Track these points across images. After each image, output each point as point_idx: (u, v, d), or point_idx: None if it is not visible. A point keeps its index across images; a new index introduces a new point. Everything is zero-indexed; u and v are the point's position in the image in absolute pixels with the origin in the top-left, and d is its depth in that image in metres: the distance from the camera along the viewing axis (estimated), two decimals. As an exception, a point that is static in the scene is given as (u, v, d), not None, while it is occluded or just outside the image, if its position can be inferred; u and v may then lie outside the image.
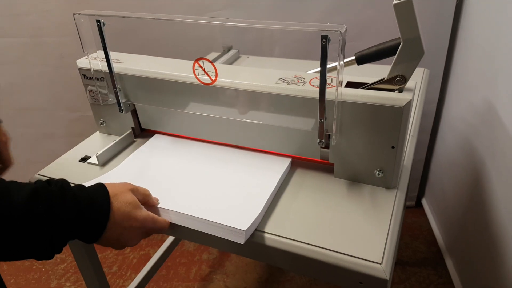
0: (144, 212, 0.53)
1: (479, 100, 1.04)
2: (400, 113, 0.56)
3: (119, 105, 0.74)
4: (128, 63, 0.73)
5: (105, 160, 0.73)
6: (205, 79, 0.64)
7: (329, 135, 0.61)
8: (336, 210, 0.59)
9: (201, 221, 0.54)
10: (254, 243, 0.56)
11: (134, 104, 0.77)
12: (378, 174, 0.62)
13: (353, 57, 0.65)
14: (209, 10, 1.21)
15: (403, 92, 0.58)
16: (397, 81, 0.58)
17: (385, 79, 0.58)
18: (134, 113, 0.79)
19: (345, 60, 0.64)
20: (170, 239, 1.26)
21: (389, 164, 0.60)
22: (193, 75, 0.64)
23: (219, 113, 0.69)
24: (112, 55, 0.70)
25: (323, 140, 0.60)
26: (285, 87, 0.62)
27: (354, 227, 0.56)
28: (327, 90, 0.56)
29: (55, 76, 1.33)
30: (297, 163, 0.70)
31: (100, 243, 0.50)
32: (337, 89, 0.55)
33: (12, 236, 0.41)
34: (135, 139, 0.80)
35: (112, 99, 0.75)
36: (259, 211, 0.56)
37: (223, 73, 0.64)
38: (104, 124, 0.81)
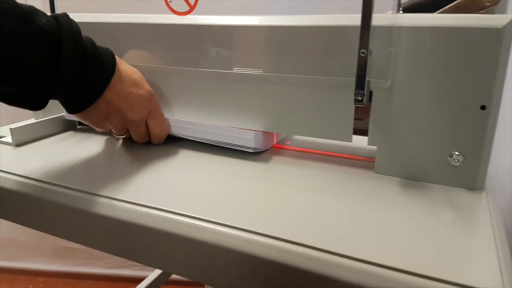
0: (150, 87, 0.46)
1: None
2: (498, 40, 0.33)
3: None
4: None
5: (23, 140, 0.48)
6: (179, 7, 0.43)
7: (371, 91, 0.38)
8: (400, 226, 0.33)
9: (211, 129, 0.47)
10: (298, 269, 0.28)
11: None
12: (456, 161, 0.36)
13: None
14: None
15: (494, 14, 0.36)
16: None
17: None
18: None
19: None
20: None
21: (475, 141, 0.35)
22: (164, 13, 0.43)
23: (200, 65, 0.45)
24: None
25: (362, 92, 0.36)
26: (303, 18, 0.40)
27: (443, 246, 0.29)
28: (374, 15, 0.34)
29: None
30: (312, 157, 0.45)
31: (98, 108, 0.40)
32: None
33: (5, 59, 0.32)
34: (79, 126, 0.56)
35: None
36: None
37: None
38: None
